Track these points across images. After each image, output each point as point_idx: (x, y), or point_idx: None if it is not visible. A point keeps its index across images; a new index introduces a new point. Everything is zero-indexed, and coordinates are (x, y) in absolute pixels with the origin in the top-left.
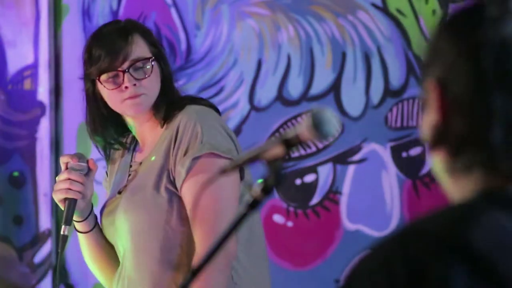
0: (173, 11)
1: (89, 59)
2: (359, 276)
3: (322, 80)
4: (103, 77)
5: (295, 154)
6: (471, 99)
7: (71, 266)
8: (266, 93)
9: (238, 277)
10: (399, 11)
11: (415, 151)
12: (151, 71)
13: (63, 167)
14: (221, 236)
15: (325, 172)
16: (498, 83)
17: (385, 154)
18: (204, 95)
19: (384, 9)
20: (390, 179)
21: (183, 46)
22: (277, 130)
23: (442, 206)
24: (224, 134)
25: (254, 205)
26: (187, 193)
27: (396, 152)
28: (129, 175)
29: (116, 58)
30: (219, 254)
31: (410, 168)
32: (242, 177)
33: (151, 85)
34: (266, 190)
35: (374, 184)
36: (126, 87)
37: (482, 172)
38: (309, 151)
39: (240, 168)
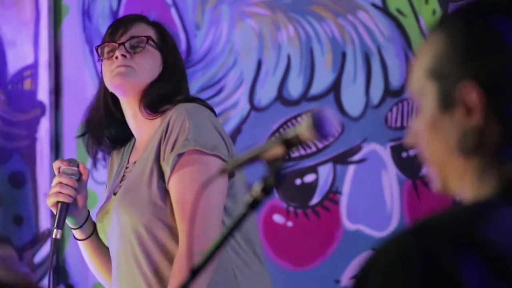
0: (173, 11)
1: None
2: (374, 272)
3: (322, 80)
4: (105, 50)
5: (295, 154)
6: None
7: (71, 266)
8: (266, 93)
9: (240, 273)
10: (399, 11)
11: (415, 151)
12: (147, 50)
13: (56, 172)
14: (221, 236)
15: (325, 172)
16: None
17: (385, 154)
18: (204, 95)
19: (384, 9)
20: (390, 179)
21: (183, 46)
22: (277, 130)
23: (454, 205)
24: (212, 131)
25: (254, 205)
26: (171, 189)
27: (396, 152)
28: (124, 175)
29: (117, 31)
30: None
31: (410, 168)
32: (232, 175)
33: (142, 63)
34: (266, 190)
35: (374, 184)
36: (117, 57)
37: (498, 173)
38: (309, 151)
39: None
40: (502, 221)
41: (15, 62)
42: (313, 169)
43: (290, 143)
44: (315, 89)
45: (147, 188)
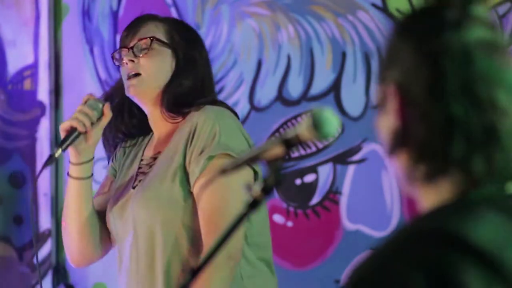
0: (173, 11)
1: None
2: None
3: (322, 80)
4: (118, 55)
5: (295, 154)
6: (431, 107)
7: (71, 266)
8: (266, 93)
9: (246, 275)
10: (399, 11)
11: None
12: (154, 50)
13: (82, 102)
14: (221, 235)
15: (325, 172)
16: (459, 92)
17: (385, 154)
18: None
19: (384, 9)
20: (390, 179)
21: None
22: (277, 130)
23: (424, 212)
24: (240, 136)
25: (254, 205)
26: (198, 191)
27: None
28: (140, 168)
29: (127, 36)
30: (223, 258)
31: None
32: (256, 179)
33: (149, 65)
34: (266, 190)
35: (374, 184)
36: (126, 63)
37: (449, 179)
38: (309, 151)
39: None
40: (486, 225)
41: (15, 62)
42: (313, 169)
43: (290, 143)
44: (315, 89)
45: (170, 186)
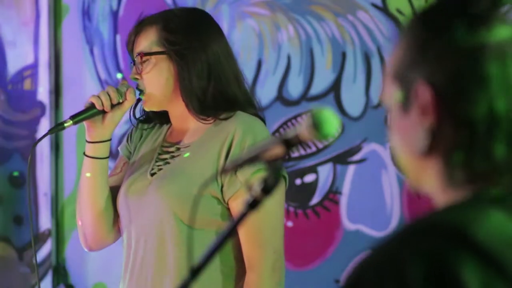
0: None
1: None
2: (366, 283)
3: (322, 80)
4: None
5: (295, 154)
6: (470, 107)
7: (71, 266)
8: (266, 93)
9: None
10: (399, 11)
11: None
12: (149, 62)
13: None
14: (221, 235)
15: (325, 172)
16: (501, 91)
17: (385, 154)
18: None
19: (384, 9)
20: (390, 179)
21: None
22: (277, 130)
23: (436, 208)
24: None
25: (254, 205)
26: (239, 205)
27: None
28: (159, 153)
29: (128, 44)
30: (267, 271)
31: None
32: (286, 184)
33: (149, 80)
34: (266, 190)
35: (374, 184)
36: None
37: (466, 176)
38: (309, 151)
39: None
40: (491, 223)
41: (15, 62)
42: (313, 169)
43: (290, 143)
44: (315, 89)
45: (197, 188)
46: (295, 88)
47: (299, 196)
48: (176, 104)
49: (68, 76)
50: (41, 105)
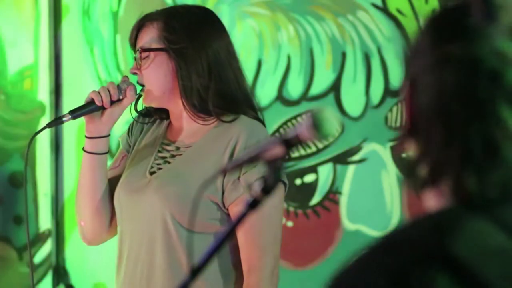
0: None
1: None
2: None
3: (322, 80)
4: None
5: (295, 154)
6: (433, 112)
7: (71, 266)
8: (266, 93)
9: None
10: (399, 11)
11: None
12: (149, 59)
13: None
14: (221, 236)
15: (325, 172)
16: (466, 104)
17: (385, 154)
18: None
19: (384, 9)
20: (390, 179)
21: None
22: (277, 130)
23: (419, 215)
24: None
25: (254, 205)
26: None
27: (396, 152)
28: (159, 151)
29: (130, 39)
30: (266, 276)
31: None
32: (285, 189)
33: (147, 76)
34: (266, 190)
35: (374, 184)
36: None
37: (453, 183)
38: (309, 151)
39: (239, 168)
40: (467, 232)
41: (15, 62)
42: (313, 169)
43: (290, 143)
44: (315, 89)
45: (198, 191)
46: (295, 88)
47: (299, 196)
48: (175, 102)
49: (68, 76)
50: (41, 105)
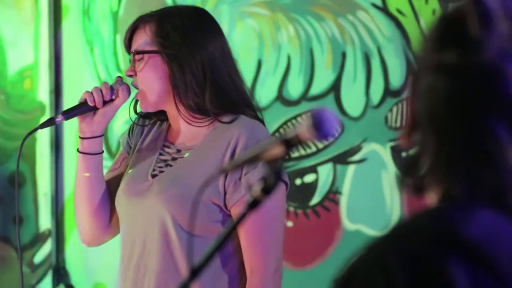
0: None
1: None
2: (355, 279)
3: (322, 80)
4: None
5: (295, 154)
6: (426, 116)
7: (71, 266)
8: (266, 93)
9: None
10: (399, 11)
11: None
12: (143, 61)
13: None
14: (221, 236)
15: (325, 172)
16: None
17: (385, 154)
18: None
19: (384, 9)
20: (390, 179)
21: None
22: (277, 130)
23: (427, 207)
24: None
25: (254, 205)
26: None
27: (396, 152)
28: (160, 153)
29: (124, 42)
30: (276, 279)
31: None
32: (287, 188)
33: (142, 79)
34: (266, 190)
35: (374, 184)
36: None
37: (464, 176)
38: (309, 151)
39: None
40: (478, 222)
41: (15, 62)
42: (313, 169)
43: (290, 143)
44: (315, 89)
45: (198, 193)
46: (295, 88)
47: (299, 196)
48: (172, 104)
49: (68, 76)
50: (41, 105)
